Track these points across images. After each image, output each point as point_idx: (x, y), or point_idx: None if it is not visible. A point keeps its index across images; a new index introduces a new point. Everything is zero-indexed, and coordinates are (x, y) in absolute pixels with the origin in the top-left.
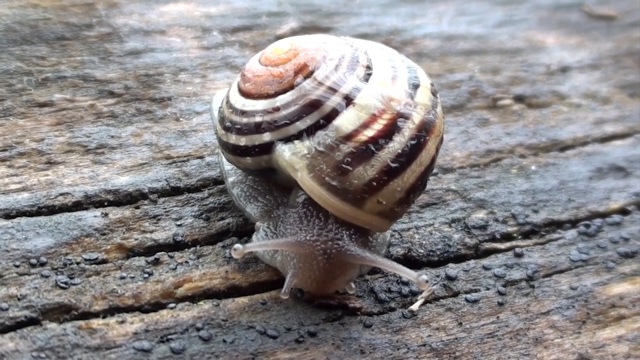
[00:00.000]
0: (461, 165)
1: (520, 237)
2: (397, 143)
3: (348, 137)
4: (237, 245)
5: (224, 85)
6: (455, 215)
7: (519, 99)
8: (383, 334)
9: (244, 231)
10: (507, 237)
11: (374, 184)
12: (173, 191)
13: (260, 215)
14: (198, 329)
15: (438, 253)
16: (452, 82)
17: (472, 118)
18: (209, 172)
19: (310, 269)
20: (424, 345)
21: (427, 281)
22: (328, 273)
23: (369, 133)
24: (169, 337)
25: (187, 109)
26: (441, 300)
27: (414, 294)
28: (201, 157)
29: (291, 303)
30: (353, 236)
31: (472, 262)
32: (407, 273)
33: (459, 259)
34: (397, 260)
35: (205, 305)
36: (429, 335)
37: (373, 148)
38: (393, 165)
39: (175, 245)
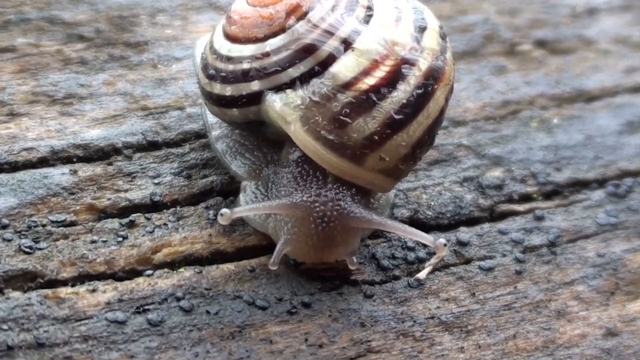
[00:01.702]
0: (474, 118)
1: (540, 198)
2: (402, 92)
3: (346, 86)
4: (224, 210)
5: (207, 28)
6: (468, 173)
7: (540, 44)
8: (386, 305)
9: (230, 190)
10: (526, 197)
11: (376, 138)
12: (150, 146)
13: (247, 173)
14: (178, 299)
15: (448, 215)
16: (465, 25)
17: (487, 65)
18: (190, 124)
19: (308, 234)
20: (432, 317)
21: (445, 245)
22: (328, 239)
23: (370, 81)
24: (146, 307)
25: (165, 55)
26: (451, 267)
27: (421, 261)
28: (181, 108)
29: (283, 270)
30: (356, 197)
31: (486, 226)
32: (422, 237)
33: (471, 222)
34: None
35: (187, 273)
36: (438, 307)
37: (374, 98)
38: (397, 117)
39: (152, 206)
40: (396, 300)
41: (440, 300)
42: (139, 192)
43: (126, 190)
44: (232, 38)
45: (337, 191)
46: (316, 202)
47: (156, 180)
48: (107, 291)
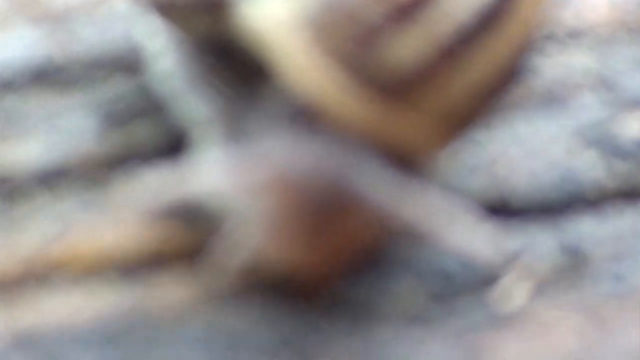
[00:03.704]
0: (602, 25)
1: None
2: None
3: None
4: None
5: None
6: (590, 123)
7: None
8: (449, 349)
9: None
10: None
11: (424, 68)
12: (38, 74)
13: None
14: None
15: (554, 198)
16: None
17: None
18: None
19: (278, 223)
20: None
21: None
22: (316, 226)
23: None
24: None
25: None
26: (560, 287)
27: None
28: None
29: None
30: (376, 157)
31: (627, 218)
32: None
33: (597, 209)
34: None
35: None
36: (539, 356)
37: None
38: (460, 30)
39: (38, 177)
40: (467, 343)
41: (545, 346)
42: (17, 151)
43: None
44: None
45: (345, 148)
46: (297, 158)
47: (44, 134)
48: None
